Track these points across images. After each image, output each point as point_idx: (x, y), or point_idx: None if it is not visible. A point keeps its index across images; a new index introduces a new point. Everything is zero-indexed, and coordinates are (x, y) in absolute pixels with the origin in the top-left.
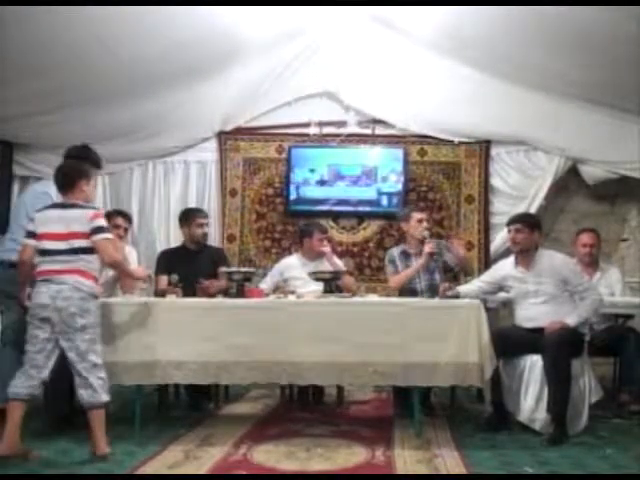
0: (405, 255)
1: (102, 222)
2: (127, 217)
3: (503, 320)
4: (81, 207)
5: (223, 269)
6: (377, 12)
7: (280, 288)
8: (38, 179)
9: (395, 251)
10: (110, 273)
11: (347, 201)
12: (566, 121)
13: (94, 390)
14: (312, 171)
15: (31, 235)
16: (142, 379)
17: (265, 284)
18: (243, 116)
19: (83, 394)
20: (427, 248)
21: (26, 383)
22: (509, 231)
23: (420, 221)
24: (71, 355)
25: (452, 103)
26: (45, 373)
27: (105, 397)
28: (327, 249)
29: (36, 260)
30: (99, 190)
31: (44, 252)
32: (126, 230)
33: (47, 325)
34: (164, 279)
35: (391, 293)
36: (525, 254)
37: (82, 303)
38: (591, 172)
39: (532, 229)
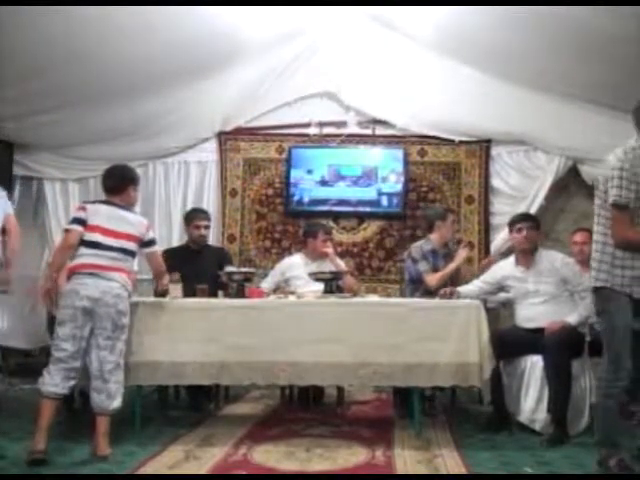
0: (434, 254)
1: (154, 234)
2: None
3: (503, 320)
4: (134, 212)
5: (229, 268)
6: (377, 12)
7: (281, 288)
8: (38, 179)
9: (425, 247)
10: None
11: (347, 201)
12: (566, 121)
13: (109, 395)
14: (312, 171)
15: (80, 222)
16: (142, 379)
17: (266, 283)
18: (243, 116)
19: (96, 398)
20: (464, 252)
21: (65, 383)
22: (519, 230)
23: (453, 222)
24: (103, 354)
25: (452, 103)
26: (79, 371)
27: (117, 404)
28: (330, 250)
29: (79, 251)
30: (99, 190)
31: (92, 244)
32: None
33: (88, 320)
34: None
35: (392, 293)
36: (527, 254)
37: (127, 303)
38: (591, 172)
39: (538, 228)
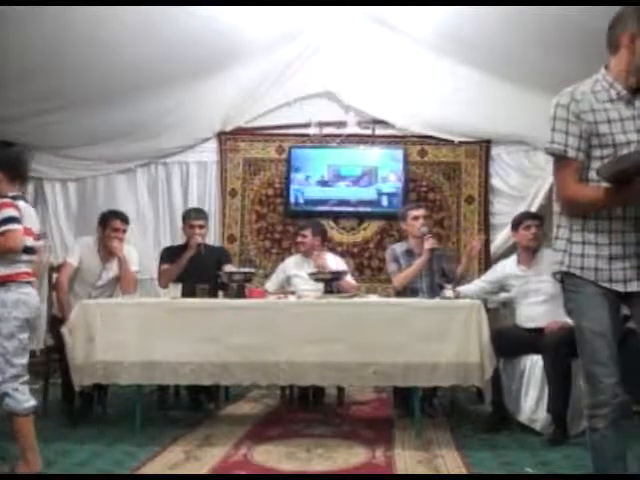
0: (409, 254)
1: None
2: (125, 218)
3: (503, 320)
4: None
5: (228, 267)
6: (377, 12)
7: (284, 287)
8: (38, 179)
9: (398, 249)
10: (111, 274)
11: (347, 201)
12: None
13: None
14: (312, 172)
15: (20, 222)
16: (142, 379)
17: (271, 284)
18: (243, 116)
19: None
20: (427, 244)
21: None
22: (527, 227)
23: (416, 218)
24: None
25: (452, 103)
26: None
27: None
28: (315, 252)
29: (17, 257)
30: (99, 190)
31: (27, 249)
32: (124, 231)
33: (28, 330)
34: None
35: (391, 293)
36: (530, 252)
37: None
38: None
39: (542, 227)
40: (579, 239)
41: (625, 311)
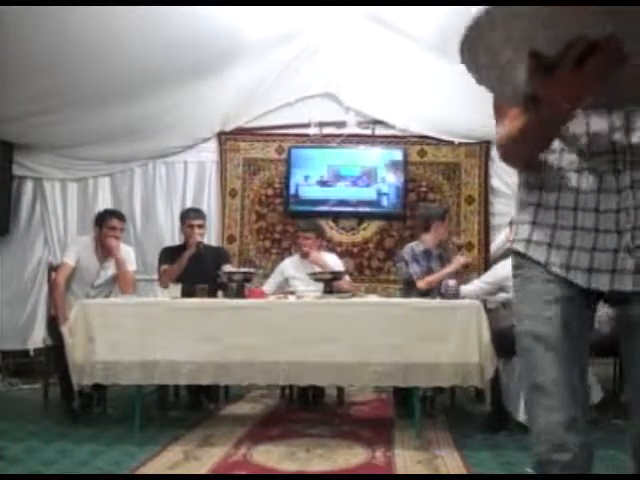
0: (427, 254)
1: None
2: (121, 217)
3: (503, 320)
4: None
5: (228, 267)
6: (377, 12)
7: (282, 288)
8: (38, 179)
9: (416, 248)
10: (109, 273)
11: (347, 202)
12: None
13: None
14: (311, 172)
15: None
16: (142, 379)
17: (268, 285)
18: (243, 116)
19: None
20: (463, 259)
21: None
22: None
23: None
24: None
25: (452, 103)
26: None
27: None
28: (310, 250)
29: None
30: (99, 190)
31: None
32: (122, 230)
33: None
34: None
35: (392, 293)
36: None
37: None
38: None
39: None
40: (533, 200)
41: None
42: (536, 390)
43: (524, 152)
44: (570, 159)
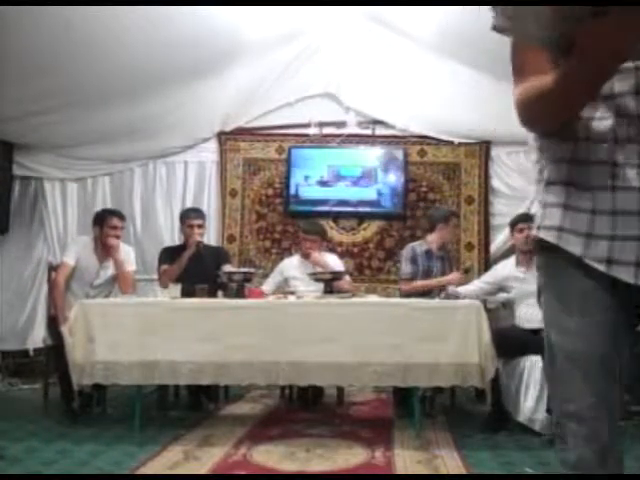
0: (428, 255)
1: None
2: (121, 216)
3: (503, 320)
4: None
5: (228, 267)
6: (377, 12)
7: (281, 288)
8: (38, 179)
9: (418, 248)
10: (109, 273)
11: (347, 202)
12: None
13: None
14: (312, 172)
15: None
16: (142, 379)
17: (267, 285)
18: (243, 116)
19: None
20: (457, 276)
21: None
22: (520, 230)
23: (456, 226)
24: None
25: (452, 103)
26: None
27: None
28: (312, 252)
29: None
30: (99, 190)
31: None
32: (122, 228)
33: None
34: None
35: (391, 293)
36: (527, 254)
37: None
38: None
39: None
40: (562, 177)
41: None
42: (569, 418)
43: (559, 109)
44: (606, 125)
